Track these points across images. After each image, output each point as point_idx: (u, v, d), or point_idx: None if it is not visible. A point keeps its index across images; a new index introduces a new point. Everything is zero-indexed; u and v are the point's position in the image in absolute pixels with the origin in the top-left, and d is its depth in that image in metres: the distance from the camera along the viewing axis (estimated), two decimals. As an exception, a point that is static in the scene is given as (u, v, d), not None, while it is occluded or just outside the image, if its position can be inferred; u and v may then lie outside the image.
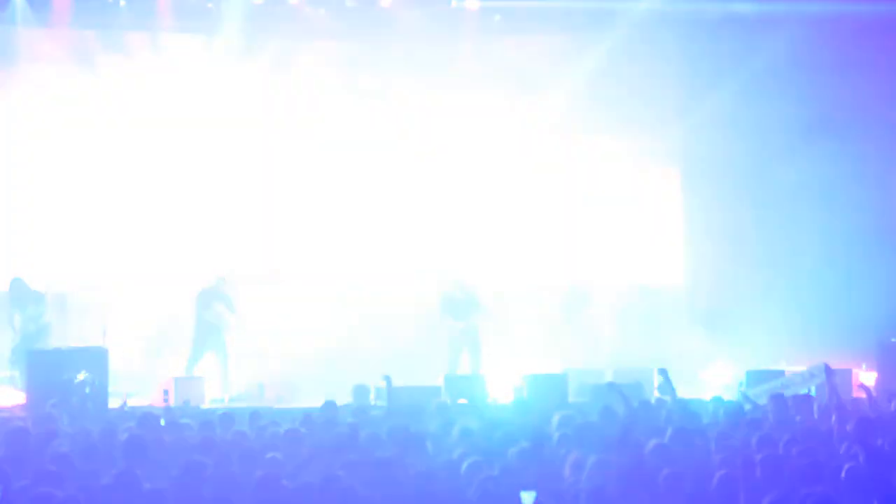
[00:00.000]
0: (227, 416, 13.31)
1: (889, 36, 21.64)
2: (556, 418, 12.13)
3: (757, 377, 18.16)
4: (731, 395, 16.20)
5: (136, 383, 18.79)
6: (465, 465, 9.82)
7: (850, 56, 21.27)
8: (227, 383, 19.11)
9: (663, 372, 14.61)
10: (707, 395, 16.94)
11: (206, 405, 17.75)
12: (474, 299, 20.10)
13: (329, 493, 8.72)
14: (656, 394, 17.37)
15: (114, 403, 17.05)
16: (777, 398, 13.72)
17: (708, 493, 8.88)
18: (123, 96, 22.10)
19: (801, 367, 18.90)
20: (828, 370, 15.23)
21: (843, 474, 9.29)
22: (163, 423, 13.62)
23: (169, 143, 22.13)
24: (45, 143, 21.81)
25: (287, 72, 22.70)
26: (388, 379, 14.78)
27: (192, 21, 22.36)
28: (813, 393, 16.22)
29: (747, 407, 13.80)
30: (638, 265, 23.02)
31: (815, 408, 13.85)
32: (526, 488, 9.05)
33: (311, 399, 17.71)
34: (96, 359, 16.92)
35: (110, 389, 17.03)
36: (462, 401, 15.15)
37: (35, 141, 21.81)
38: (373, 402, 16.32)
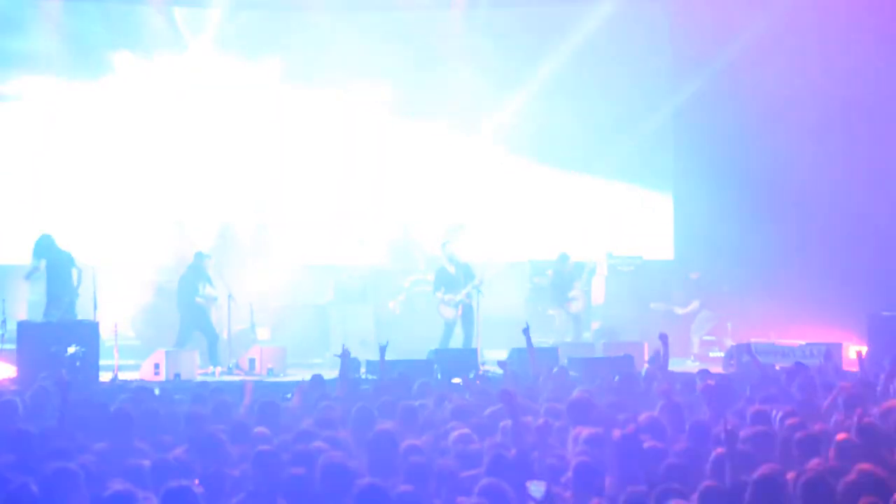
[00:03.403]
0: (218, 390, 13.33)
1: (882, 11, 21.62)
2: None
3: (748, 344, 18.21)
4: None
5: (127, 357, 18.79)
6: (454, 439, 9.85)
7: (839, 32, 21.24)
8: (217, 357, 19.08)
9: (663, 338, 14.64)
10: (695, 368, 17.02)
11: (196, 379, 17.74)
12: (468, 273, 20.09)
13: (321, 467, 8.72)
14: (646, 366, 17.41)
15: (104, 377, 17.09)
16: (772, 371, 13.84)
17: (697, 467, 8.89)
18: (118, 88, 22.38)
19: (795, 341, 19.00)
20: (827, 354, 15.35)
21: (833, 448, 9.31)
22: (157, 391, 13.65)
23: (158, 123, 22.34)
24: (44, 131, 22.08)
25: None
26: (382, 349, 14.68)
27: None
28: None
29: None
30: (628, 239, 23.06)
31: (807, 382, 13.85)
32: (515, 462, 9.04)
33: (302, 373, 17.76)
34: (87, 332, 16.91)
35: (101, 363, 17.05)
36: (456, 380, 15.13)
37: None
38: (363, 376, 16.32)
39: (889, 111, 21.39)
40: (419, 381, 13.77)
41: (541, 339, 20.43)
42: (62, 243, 18.69)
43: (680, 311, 21.76)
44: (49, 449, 9.41)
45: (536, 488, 8.07)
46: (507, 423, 10.16)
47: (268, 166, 22.81)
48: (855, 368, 14.80)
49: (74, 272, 18.46)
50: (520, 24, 22.89)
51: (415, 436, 10.11)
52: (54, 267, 18.52)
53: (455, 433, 10.02)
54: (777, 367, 15.47)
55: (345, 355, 13.78)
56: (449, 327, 20.06)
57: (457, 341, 20.03)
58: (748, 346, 16.39)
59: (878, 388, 12.75)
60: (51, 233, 18.77)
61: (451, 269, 20.10)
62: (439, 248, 20.63)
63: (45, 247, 18.57)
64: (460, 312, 19.99)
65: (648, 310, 21.75)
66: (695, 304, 21.76)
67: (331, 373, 15.38)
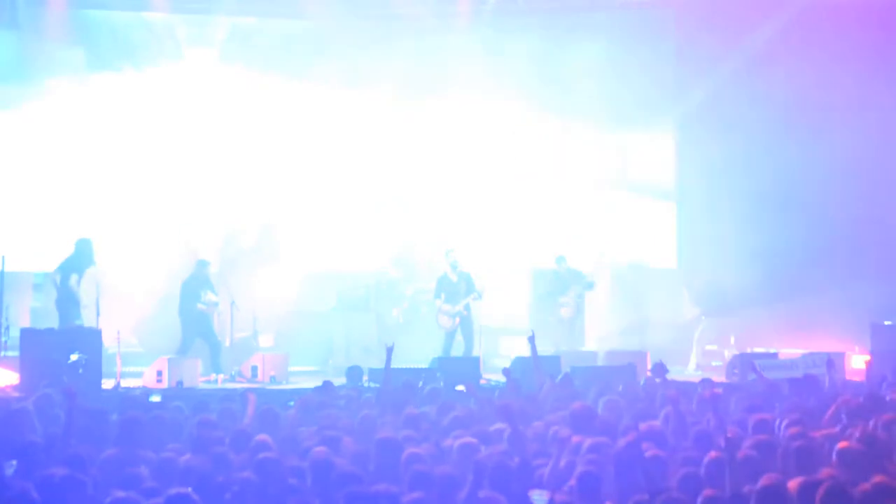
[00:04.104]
0: (225, 398, 13.33)
1: (882, 19, 21.62)
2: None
3: (750, 360, 18.16)
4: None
5: (130, 364, 18.79)
6: (458, 447, 9.84)
7: (845, 41, 21.24)
8: (220, 365, 19.09)
9: (658, 368, 14.69)
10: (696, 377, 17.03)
11: (199, 386, 17.74)
12: (469, 282, 20.10)
13: (327, 474, 8.73)
14: (648, 374, 17.40)
15: (107, 384, 17.08)
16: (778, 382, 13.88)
17: (697, 476, 8.88)
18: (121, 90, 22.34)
19: (798, 351, 18.99)
20: (829, 363, 15.33)
21: (835, 457, 9.31)
22: (158, 398, 13.65)
23: (163, 131, 22.31)
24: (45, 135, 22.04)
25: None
26: (389, 350, 14.61)
27: (183, 2, 22.51)
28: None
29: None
30: (631, 247, 23.05)
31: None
32: (519, 471, 9.05)
33: (305, 380, 17.77)
34: (89, 339, 16.90)
35: (103, 370, 17.04)
36: (460, 387, 15.12)
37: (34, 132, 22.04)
38: (366, 384, 16.32)
39: (893, 118, 21.40)
40: (429, 387, 13.83)
41: (542, 348, 20.41)
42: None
43: (682, 319, 21.75)
44: (54, 457, 9.42)
45: (539, 498, 8.07)
46: (509, 430, 10.18)
47: (272, 174, 22.78)
48: (858, 378, 14.82)
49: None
50: (524, 33, 22.89)
51: (418, 443, 10.10)
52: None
53: (458, 441, 10.02)
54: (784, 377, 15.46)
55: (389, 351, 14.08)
56: (448, 337, 20.08)
57: (458, 349, 20.04)
58: (752, 363, 16.36)
59: (887, 399, 12.75)
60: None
61: (454, 278, 20.11)
62: (443, 254, 20.61)
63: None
64: (458, 322, 20.01)
65: (651, 318, 21.74)
66: (696, 313, 21.76)
67: (335, 381, 15.39)
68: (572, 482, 8.66)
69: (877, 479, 8.07)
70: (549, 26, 22.92)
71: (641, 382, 15.48)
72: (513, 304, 22.01)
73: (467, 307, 19.95)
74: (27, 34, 21.78)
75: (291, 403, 13.15)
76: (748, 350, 19.79)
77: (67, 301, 18.42)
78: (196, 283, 19.46)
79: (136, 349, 20.37)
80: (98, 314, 18.03)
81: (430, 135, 23.00)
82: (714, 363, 21.13)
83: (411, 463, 9.08)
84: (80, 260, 18.62)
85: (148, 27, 22.43)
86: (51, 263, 19.20)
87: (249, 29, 22.79)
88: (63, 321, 18.32)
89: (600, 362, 19.21)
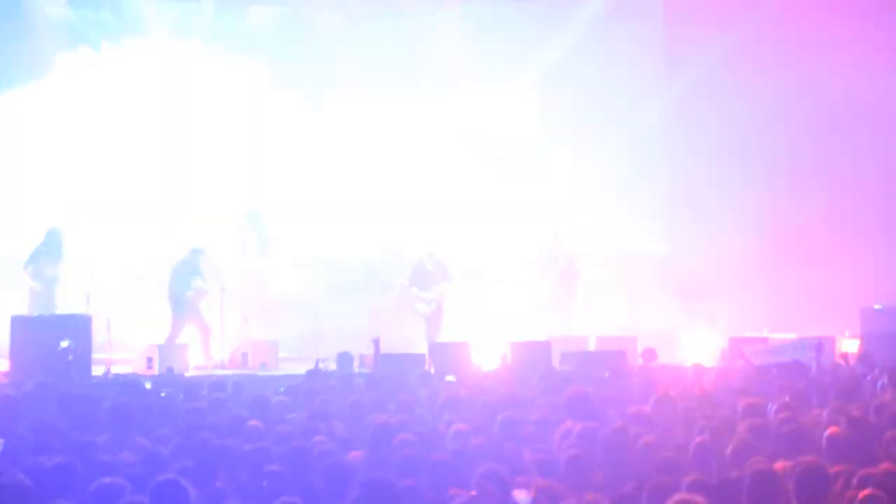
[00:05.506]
0: (215, 384, 13.33)
1: (870, 6, 21.65)
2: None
3: (738, 346, 18.21)
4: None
5: (120, 350, 18.77)
6: (451, 433, 9.86)
7: (834, 27, 21.26)
8: (210, 352, 19.09)
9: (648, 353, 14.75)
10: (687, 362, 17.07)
11: (189, 373, 17.75)
12: (444, 270, 20.10)
13: (318, 461, 8.75)
14: (640, 361, 17.44)
15: (97, 370, 17.08)
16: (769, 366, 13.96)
17: (685, 460, 8.92)
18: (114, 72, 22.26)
19: (788, 335, 19.03)
20: (818, 347, 15.36)
21: (823, 442, 9.35)
22: (148, 385, 13.67)
23: (155, 116, 22.23)
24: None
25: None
26: (376, 342, 14.69)
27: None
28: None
29: None
30: (618, 234, 23.07)
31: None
32: (510, 455, 9.07)
33: (295, 367, 17.78)
34: (80, 326, 16.88)
35: (93, 356, 17.03)
36: (449, 378, 15.17)
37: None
38: (356, 370, 16.34)
39: (882, 107, 21.40)
40: (418, 371, 13.87)
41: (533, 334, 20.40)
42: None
43: (672, 304, 21.77)
44: (45, 443, 9.42)
45: (524, 498, 8.09)
46: (504, 416, 10.23)
47: (262, 160, 22.72)
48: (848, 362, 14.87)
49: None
50: (511, 21, 22.88)
51: (409, 429, 10.12)
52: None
53: (450, 427, 10.04)
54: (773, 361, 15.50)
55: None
56: (428, 322, 20.11)
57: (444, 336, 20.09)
58: (740, 349, 16.43)
59: (876, 384, 12.80)
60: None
61: (429, 266, 20.12)
62: (422, 242, 20.61)
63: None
64: (434, 308, 20.04)
65: (641, 304, 21.76)
66: (687, 297, 21.78)
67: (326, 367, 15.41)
68: (560, 467, 8.68)
69: (884, 466, 8.11)
70: (534, 14, 22.88)
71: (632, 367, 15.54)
72: (503, 291, 22.01)
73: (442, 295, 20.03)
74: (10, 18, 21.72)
75: (282, 389, 13.18)
76: (738, 335, 19.80)
77: (37, 293, 18.44)
78: (186, 270, 19.45)
79: (127, 335, 20.32)
80: (88, 301, 18.00)
81: (423, 122, 22.93)
82: (704, 348, 21.13)
83: (403, 448, 9.10)
84: (48, 249, 18.61)
85: (139, 11, 22.41)
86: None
87: (235, 14, 22.72)
88: (33, 311, 18.33)
89: (591, 347, 19.25)
